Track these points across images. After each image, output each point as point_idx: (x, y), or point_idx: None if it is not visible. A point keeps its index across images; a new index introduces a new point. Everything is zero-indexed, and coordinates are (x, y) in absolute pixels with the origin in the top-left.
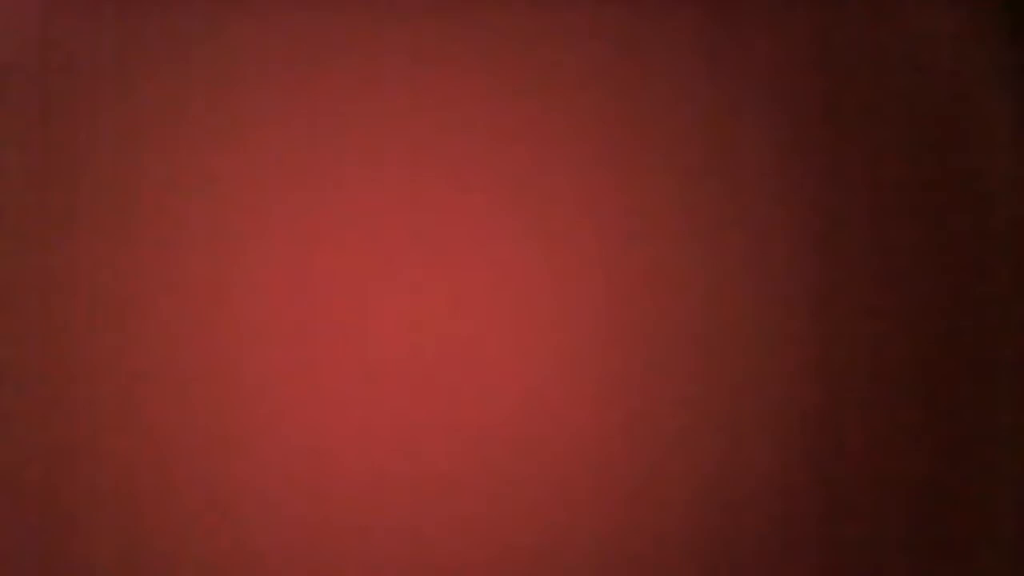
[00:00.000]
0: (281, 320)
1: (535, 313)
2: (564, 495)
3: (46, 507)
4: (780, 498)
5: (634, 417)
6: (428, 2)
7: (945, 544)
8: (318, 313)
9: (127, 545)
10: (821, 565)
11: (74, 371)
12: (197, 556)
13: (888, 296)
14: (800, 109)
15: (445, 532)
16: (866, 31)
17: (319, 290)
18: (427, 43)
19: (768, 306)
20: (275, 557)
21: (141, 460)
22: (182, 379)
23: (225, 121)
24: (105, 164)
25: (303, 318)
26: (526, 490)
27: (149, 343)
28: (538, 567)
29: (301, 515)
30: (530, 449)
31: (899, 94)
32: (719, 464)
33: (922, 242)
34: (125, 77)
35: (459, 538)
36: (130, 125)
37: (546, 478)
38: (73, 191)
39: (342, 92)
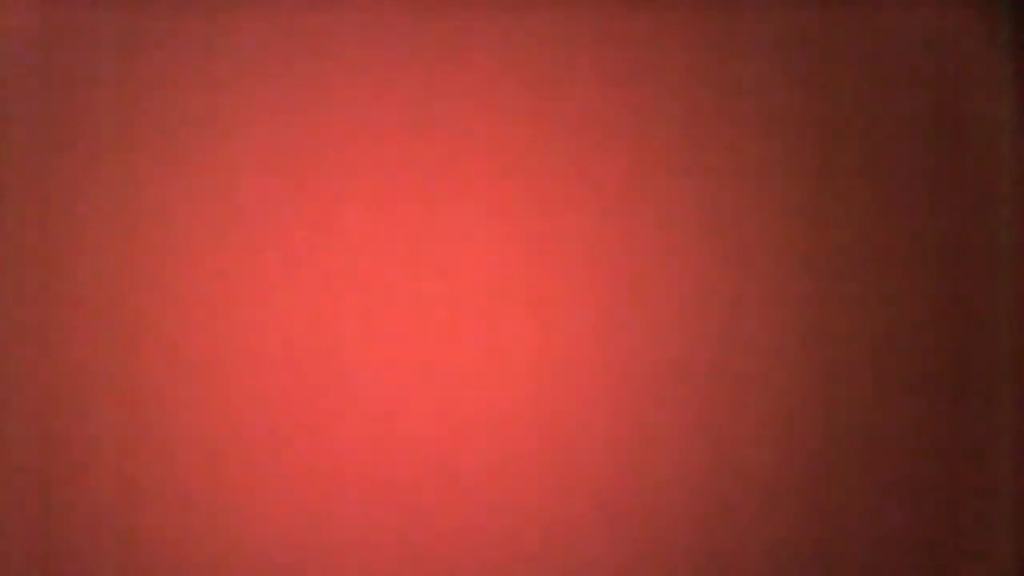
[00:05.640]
0: (284, 321)
1: (537, 317)
2: (566, 496)
3: (46, 519)
4: (778, 497)
5: (635, 419)
6: (432, 2)
7: (942, 546)
8: (321, 315)
9: (127, 551)
10: (818, 564)
11: (74, 375)
12: (197, 562)
13: (887, 299)
14: (800, 109)
15: (446, 530)
16: (865, 31)
17: (323, 291)
18: (431, 41)
19: (767, 307)
20: (277, 564)
21: (140, 463)
22: (183, 380)
23: (227, 122)
24: (106, 164)
25: (306, 319)
26: (527, 488)
27: (150, 344)
28: (537, 568)
29: (303, 518)
30: (531, 449)
31: (899, 94)
32: (718, 464)
33: (921, 243)
34: (125, 77)
35: (459, 537)
36: (131, 125)
37: (548, 479)
38: (73, 191)
39: (345, 93)
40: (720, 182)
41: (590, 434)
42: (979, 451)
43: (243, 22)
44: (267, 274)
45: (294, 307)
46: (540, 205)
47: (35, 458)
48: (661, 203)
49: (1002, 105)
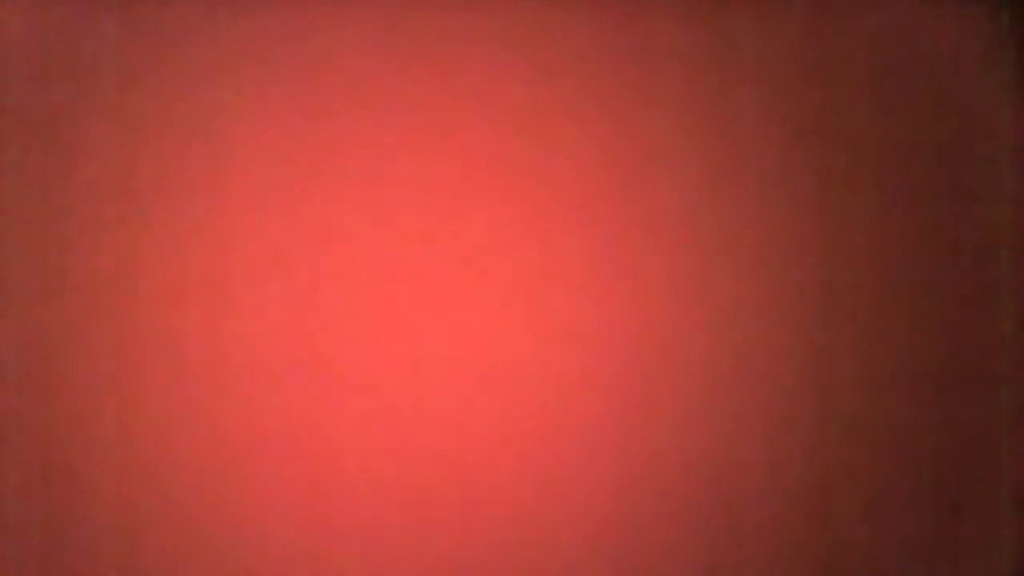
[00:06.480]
0: (285, 320)
1: (536, 314)
2: (565, 499)
3: (45, 520)
4: (777, 499)
5: (634, 422)
6: None
7: (941, 546)
8: (322, 314)
9: (126, 557)
10: (817, 565)
11: (73, 374)
12: (195, 566)
13: (887, 298)
14: (801, 107)
15: (443, 529)
16: (865, 32)
17: (323, 289)
18: (432, 36)
19: (767, 309)
20: (275, 567)
21: (139, 466)
22: (182, 380)
23: (228, 120)
24: (106, 164)
25: (307, 318)
26: (526, 487)
27: (149, 344)
28: (536, 569)
29: (302, 522)
30: (530, 448)
31: (899, 96)
32: (718, 465)
33: (923, 241)
34: (125, 76)
35: (456, 540)
36: (131, 125)
37: (547, 482)
38: (73, 191)
39: (346, 89)
40: (721, 180)
41: (590, 433)
42: (979, 450)
43: (243, 22)
44: (270, 273)
45: (295, 311)
46: (539, 200)
47: (33, 465)
48: (663, 200)
49: (1003, 103)
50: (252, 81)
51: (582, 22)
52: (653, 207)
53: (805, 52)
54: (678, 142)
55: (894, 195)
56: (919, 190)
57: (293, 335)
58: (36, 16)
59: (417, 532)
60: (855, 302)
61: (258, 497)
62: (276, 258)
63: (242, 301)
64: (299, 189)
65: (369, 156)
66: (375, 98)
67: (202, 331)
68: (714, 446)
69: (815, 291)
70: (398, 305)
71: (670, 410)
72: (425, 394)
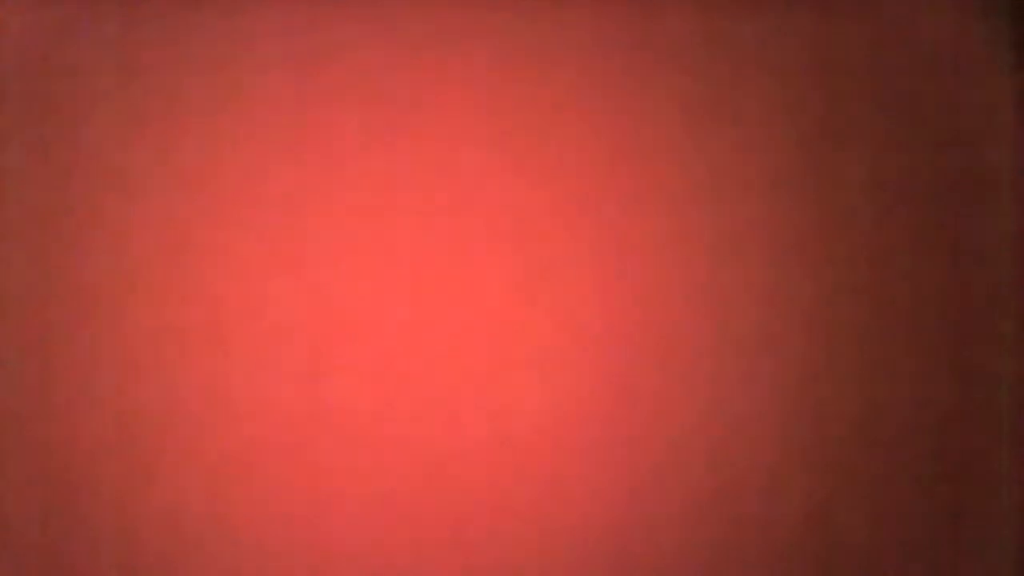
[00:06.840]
0: (285, 320)
1: (534, 313)
2: (564, 498)
3: (45, 520)
4: (777, 499)
5: (634, 423)
6: None
7: (941, 547)
8: (323, 313)
9: (126, 557)
10: (817, 565)
11: (73, 374)
12: (195, 566)
13: (888, 296)
14: (801, 109)
15: (443, 529)
16: (866, 30)
17: (322, 288)
18: (434, 31)
19: (768, 308)
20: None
21: (139, 466)
22: (182, 380)
23: (228, 118)
24: (105, 163)
25: (305, 316)
26: (527, 492)
27: (149, 344)
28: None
29: (301, 521)
30: (530, 449)
31: (900, 96)
32: (717, 465)
33: (922, 244)
34: (125, 75)
35: (457, 540)
36: (130, 124)
37: (547, 479)
38: (73, 191)
39: (347, 85)
40: (724, 179)
41: (590, 434)
42: (979, 450)
43: (243, 21)
44: (268, 271)
45: (295, 310)
46: (542, 198)
47: (32, 481)
48: (666, 197)
49: (1003, 103)
50: (253, 80)
51: (585, 18)
52: (656, 204)
53: (807, 51)
54: (681, 139)
55: (894, 195)
56: (919, 190)
57: (293, 335)
58: (36, 16)
59: (417, 531)
60: (855, 301)
61: (258, 497)
62: (276, 257)
63: (242, 301)
64: (299, 188)
65: (369, 151)
66: (376, 93)
67: (202, 331)
68: (713, 446)
69: (815, 290)
70: (399, 303)
71: (670, 410)
72: (426, 394)
